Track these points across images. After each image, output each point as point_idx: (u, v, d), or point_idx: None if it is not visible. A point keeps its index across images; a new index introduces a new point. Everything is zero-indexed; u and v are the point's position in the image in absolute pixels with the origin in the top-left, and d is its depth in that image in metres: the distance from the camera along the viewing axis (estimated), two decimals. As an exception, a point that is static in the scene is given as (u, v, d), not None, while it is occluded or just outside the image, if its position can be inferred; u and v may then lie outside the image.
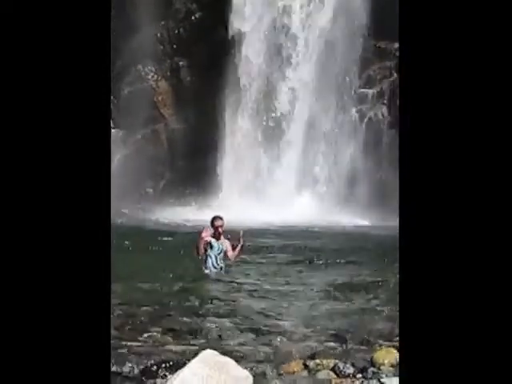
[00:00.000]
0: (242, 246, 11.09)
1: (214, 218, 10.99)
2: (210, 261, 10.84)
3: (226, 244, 10.95)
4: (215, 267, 10.85)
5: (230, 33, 26.45)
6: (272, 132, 26.53)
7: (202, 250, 10.77)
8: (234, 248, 11.01)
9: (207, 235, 10.80)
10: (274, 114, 26.62)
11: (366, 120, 26.28)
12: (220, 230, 10.83)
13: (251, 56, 26.63)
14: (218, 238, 10.85)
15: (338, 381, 5.36)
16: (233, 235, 11.11)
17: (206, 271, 10.80)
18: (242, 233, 11.04)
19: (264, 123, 26.55)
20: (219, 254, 10.87)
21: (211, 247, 10.81)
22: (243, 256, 11.79)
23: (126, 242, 14.19)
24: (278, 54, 26.62)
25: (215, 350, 5.03)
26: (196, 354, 4.96)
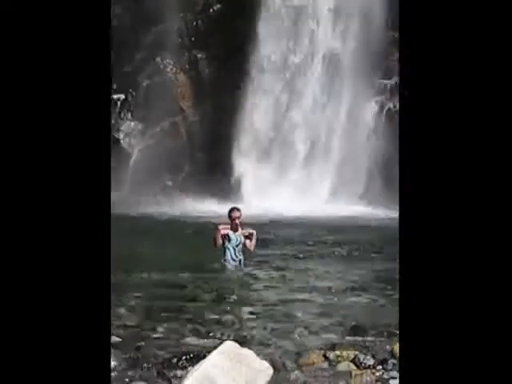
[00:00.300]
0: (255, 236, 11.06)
1: (231, 210, 10.98)
2: (228, 253, 10.85)
3: (243, 236, 10.95)
4: (234, 260, 10.86)
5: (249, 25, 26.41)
6: (290, 123, 26.50)
7: (220, 242, 10.77)
8: (248, 238, 10.99)
9: (224, 227, 10.82)
10: (292, 105, 26.59)
11: (385, 111, 26.19)
12: (237, 221, 10.82)
13: (269, 49, 26.62)
14: (235, 230, 10.84)
15: (359, 372, 5.35)
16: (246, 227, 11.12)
17: (225, 264, 10.82)
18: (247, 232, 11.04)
19: (282, 115, 26.53)
20: (237, 245, 10.87)
21: (229, 240, 10.81)
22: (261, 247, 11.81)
23: (144, 235, 14.29)
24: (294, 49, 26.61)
25: (236, 341, 5.04)
26: (216, 346, 4.97)
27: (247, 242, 10.95)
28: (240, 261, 10.91)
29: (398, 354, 5.53)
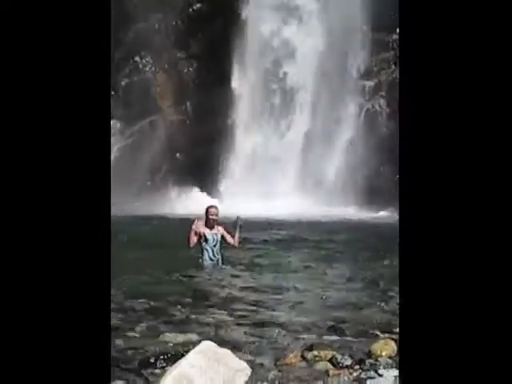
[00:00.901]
0: (240, 229, 11.08)
1: (208, 207, 10.99)
2: (206, 254, 10.85)
3: (221, 231, 10.93)
4: (212, 259, 10.86)
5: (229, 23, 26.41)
6: (272, 122, 26.54)
7: (194, 240, 10.75)
8: (231, 234, 11.00)
9: (197, 226, 10.80)
10: (273, 104, 26.62)
11: (363, 112, 26.28)
12: (214, 218, 10.82)
13: (250, 46, 26.64)
14: (211, 228, 10.84)
15: (336, 372, 5.36)
16: (228, 223, 11.13)
17: (203, 263, 10.81)
18: (238, 218, 11.06)
19: (264, 113, 26.55)
20: (215, 245, 10.87)
21: (206, 240, 10.81)
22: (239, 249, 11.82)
23: (123, 235, 14.23)
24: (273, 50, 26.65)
25: (213, 341, 5.03)
26: (194, 345, 4.97)
27: (229, 238, 10.94)
28: (218, 260, 10.91)
29: (376, 354, 5.56)
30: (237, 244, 11.03)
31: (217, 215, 10.85)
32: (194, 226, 10.79)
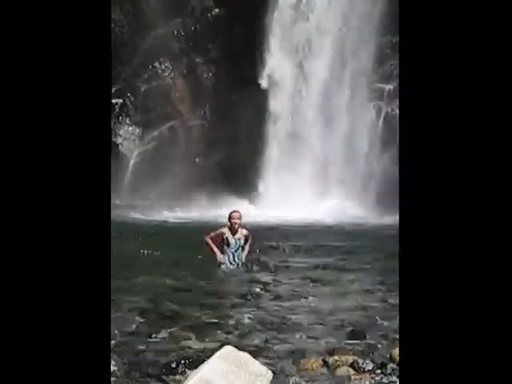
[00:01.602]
0: (250, 245, 11.14)
1: (230, 212, 11.04)
2: (226, 258, 10.88)
3: (245, 233, 10.98)
4: (232, 263, 10.89)
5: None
6: (288, 127, 26.51)
7: (219, 253, 10.83)
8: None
9: (211, 235, 10.92)
10: (291, 109, 26.58)
11: (382, 115, 26.20)
12: (237, 223, 10.87)
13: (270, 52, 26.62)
14: (234, 232, 10.89)
15: (358, 377, 5.35)
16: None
17: (224, 267, 10.83)
18: (247, 233, 11.08)
19: (282, 118, 26.52)
20: (236, 250, 10.90)
21: (228, 244, 10.86)
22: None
23: (142, 239, 14.30)
24: (296, 51, 26.61)
25: (235, 346, 5.04)
26: (215, 350, 4.97)
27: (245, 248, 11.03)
28: (238, 264, 10.94)
29: (397, 359, 5.54)
30: (244, 259, 11.06)
31: (239, 219, 10.91)
32: (207, 238, 10.93)
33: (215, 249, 10.88)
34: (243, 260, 11.04)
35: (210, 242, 10.92)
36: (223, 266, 10.84)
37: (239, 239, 10.91)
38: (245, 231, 11.01)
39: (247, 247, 11.06)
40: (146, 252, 12.43)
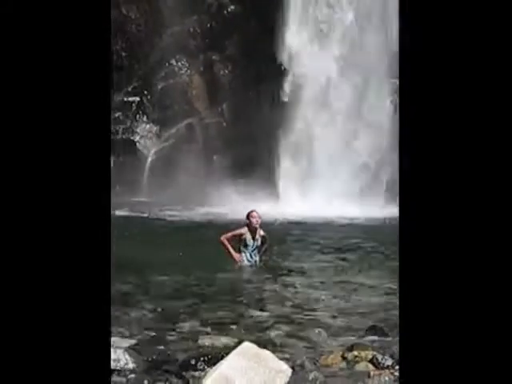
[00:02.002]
0: (267, 247, 11.13)
1: (250, 212, 11.01)
2: (244, 256, 10.87)
3: (262, 234, 10.96)
4: (249, 261, 10.88)
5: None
6: (311, 123, 26.41)
7: (238, 257, 10.83)
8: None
9: (228, 237, 10.90)
10: (308, 106, 26.50)
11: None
12: (257, 222, 10.84)
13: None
14: (253, 232, 10.86)
15: (377, 372, 5.34)
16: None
17: (241, 264, 10.82)
18: (264, 234, 11.06)
19: (300, 117, 26.44)
20: (253, 250, 10.90)
21: (245, 245, 10.84)
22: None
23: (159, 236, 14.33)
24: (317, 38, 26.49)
25: (254, 342, 5.04)
26: (234, 346, 4.98)
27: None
28: (255, 261, 10.92)
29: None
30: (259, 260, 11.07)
31: (259, 219, 10.88)
32: (238, 230, 10.90)
33: (231, 249, 10.83)
34: (258, 261, 11.02)
35: (225, 242, 10.87)
36: (240, 263, 10.82)
37: (257, 240, 10.90)
38: (262, 232, 10.99)
39: (263, 248, 11.05)
40: (162, 249, 12.44)
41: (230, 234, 10.94)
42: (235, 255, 10.81)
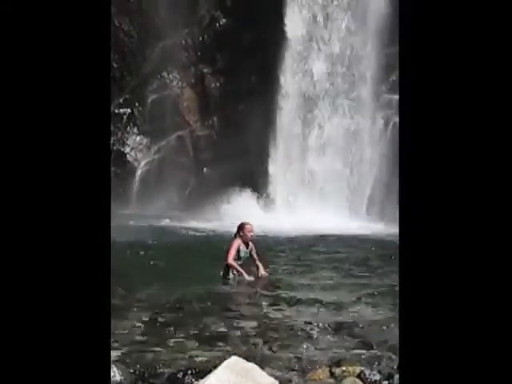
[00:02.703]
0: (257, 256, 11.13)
1: (243, 224, 11.01)
2: (232, 269, 10.83)
3: (251, 247, 10.94)
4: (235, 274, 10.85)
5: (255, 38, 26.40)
6: (304, 134, 26.47)
7: (241, 270, 10.75)
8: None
9: (238, 243, 10.86)
10: (299, 120, 26.58)
11: (390, 126, 26.15)
12: (251, 235, 10.85)
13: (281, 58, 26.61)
14: (246, 245, 10.86)
15: (365, 388, 5.34)
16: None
17: (229, 277, 10.79)
18: (251, 244, 11.04)
19: (291, 127, 26.50)
20: (244, 261, 10.89)
21: (239, 257, 10.82)
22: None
23: (149, 248, 14.30)
24: (301, 61, 26.61)
25: (241, 356, 5.03)
26: (222, 360, 4.97)
27: (256, 259, 10.98)
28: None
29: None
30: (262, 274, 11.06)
31: (253, 231, 10.89)
32: (235, 244, 10.83)
33: (240, 269, 10.75)
34: (263, 272, 11.03)
35: (234, 264, 10.75)
36: (229, 276, 10.78)
37: (250, 251, 10.91)
38: (251, 243, 11.00)
39: (256, 258, 11.04)
40: (151, 262, 12.42)
41: (233, 252, 10.83)
42: (246, 276, 10.72)
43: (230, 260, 10.74)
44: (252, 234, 10.86)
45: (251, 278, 10.74)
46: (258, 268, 11.00)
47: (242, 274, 10.72)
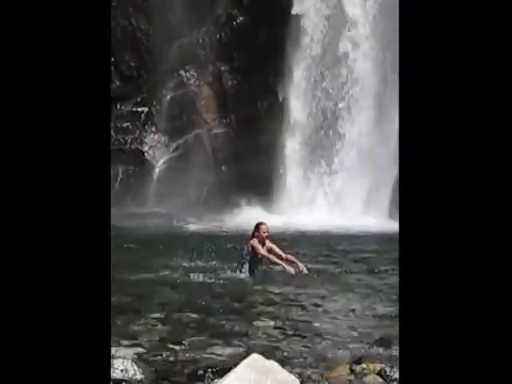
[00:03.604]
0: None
1: (259, 224, 11.03)
2: (246, 266, 10.87)
3: (269, 246, 10.93)
4: (250, 274, 10.86)
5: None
6: (319, 132, 26.41)
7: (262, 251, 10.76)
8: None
9: (254, 241, 10.87)
10: (318, 114, 26.49)
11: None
12: (266, 235, 10.86)
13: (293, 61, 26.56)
14: (262, 244, 10.86)
15: (385, 385, 5.34)
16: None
17: (241, 275, 10.82)
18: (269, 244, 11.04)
19: (309, 128, 26.44)
20: (260, 261, 10.92)
21: (255, 256, 10.84)
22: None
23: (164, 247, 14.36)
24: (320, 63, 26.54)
25: (261, 354, 5.03)
26: (242, 358, 4.97)
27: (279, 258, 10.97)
28: (253, 271, 10.90)
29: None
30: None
31: (268, 231, 10.91)
32: (255, 243, 10.84)
33: (279, 261, 10.76)
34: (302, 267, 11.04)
35: (270, 256, 10.79)
36: (242, 275, 10.79)
37: (267, 250, 10.92)
38: (268, 243, 11.00)
39: (282, 254, 11.06)
40: (169, 260, 12.43)
41: (260, 247, 10.86)
42: (286, 267, 10.68)
43: (264, 252, 10.78)
44: (267, 233, 10.87)
45: (291, 270, 10.69)
46: (292, 263, 10.97)
47: (282, 265, 10.67)
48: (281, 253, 11.01)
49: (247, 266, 10.89)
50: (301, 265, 10.92)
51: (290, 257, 11.08)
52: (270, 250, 10.94)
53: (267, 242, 10.94)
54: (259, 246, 10.80)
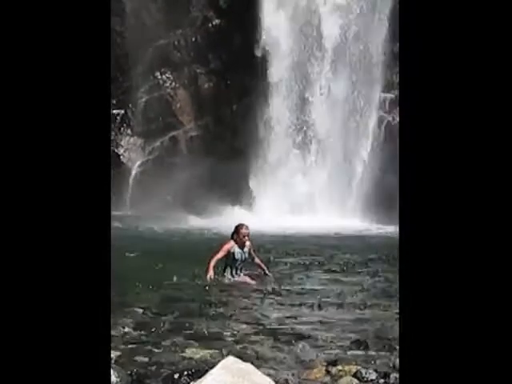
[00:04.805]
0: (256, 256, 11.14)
1: (241, 226, 10.95)
2: (228, 271, 10.80)
3: (249, 246, 10.89)
4: (233, 276, 10.80)
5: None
6: (294, 135, 26.48)
7: (211, 274, 10.49)
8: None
9: (228, 244, 10.80)
10: (295, 122, 26.56)
11: (384, 124, 26.18)
12: (246, 237, 10.78)
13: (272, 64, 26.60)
14: (242, 246, 10.80)
15: (361, 387, 5.35)
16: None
17: (225, 281, 10.76)
18: (250, 244, 11.01)
19: (285, 130, 26.51)
20: (240, 263, 10.85)
21: (234, 260, 10.75)
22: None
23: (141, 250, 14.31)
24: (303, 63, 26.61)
25: (237, 357, 5.02)
26: (218, 361, 4.96)
27: (257, 259, 10.99)
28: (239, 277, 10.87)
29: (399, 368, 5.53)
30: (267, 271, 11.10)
31: (248, 234, 10.82)
32: (226, 246, 10.76)
33: (210, 270, 10.52)
34: (267, 272, 11.11)
35: (211, 264, 10.55)
36: (225, 280, 10.72)
37: (245, 252, 10.85)
38: (248, 243, 10.93)
39: (257, 259, 11.07)
40: (146, 263, 12.40)
41: (220, 254, 10.72)
42: (209, 272, 10.48)
43: (212, 260, 10.59)
44: (246, 236, 10.79)
45: (252, 282, 10.70)
46: (259, 267, 11.02)
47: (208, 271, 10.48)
48: (253, 255, 11.02)
49: (229, 269, 10.83)
50: (267, 271, 11.06)
51: (258, 261, 11.14)
52: (250, 249, 10.92)
53: (248, 243, 10.87)
54: (219, 252, 10.73)
